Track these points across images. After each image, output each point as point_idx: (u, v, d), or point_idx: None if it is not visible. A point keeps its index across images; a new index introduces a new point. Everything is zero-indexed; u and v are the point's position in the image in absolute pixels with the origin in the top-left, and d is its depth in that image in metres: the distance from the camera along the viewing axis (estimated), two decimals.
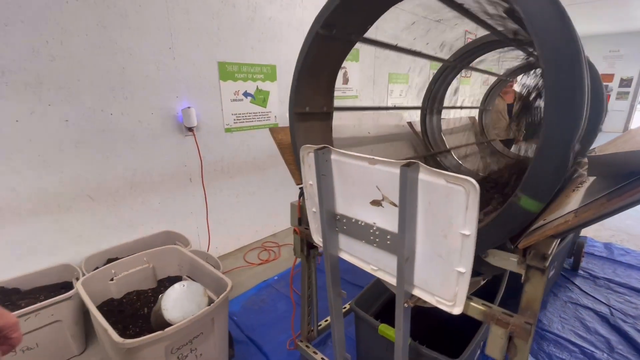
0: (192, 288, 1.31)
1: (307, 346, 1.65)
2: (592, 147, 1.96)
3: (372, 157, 0.96)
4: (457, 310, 0.92)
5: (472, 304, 0.96)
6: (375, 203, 1.02)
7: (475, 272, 1.04)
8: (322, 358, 1.57)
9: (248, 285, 2.68)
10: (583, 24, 7.34)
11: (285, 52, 3.12)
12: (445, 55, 2.12)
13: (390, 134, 2.19)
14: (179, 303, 1.27)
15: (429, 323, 1.78)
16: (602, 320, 2.24)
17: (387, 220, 1.00)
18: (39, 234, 2.04)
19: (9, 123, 1.85)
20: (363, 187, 1.03)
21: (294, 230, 1.49)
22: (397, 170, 0.86)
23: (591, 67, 1.65)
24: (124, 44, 2.18)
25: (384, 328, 1.41)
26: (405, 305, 1.00)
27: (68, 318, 1.76)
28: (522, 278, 0.86)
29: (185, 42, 2.46)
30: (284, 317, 2.27)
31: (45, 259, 2.08)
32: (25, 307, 1.64)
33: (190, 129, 2.60)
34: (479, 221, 0.84)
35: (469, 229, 0.80)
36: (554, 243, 0.87)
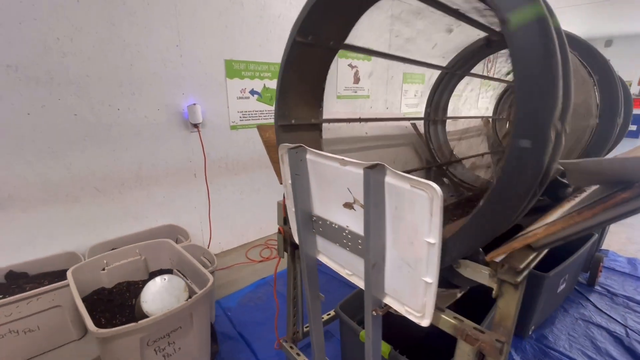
0: (173, 282, 1.33)
1: (291, 347, 1.63)
2: (611, 151, 1.82)
3: (343, 157, 0.93)
4: (425, 322, 0.87)
5: (443, 316, 0.91)
6: (348, 206, 0.99)
7: (450, 284, 0.99)
8: None
9: (247, 282, 2.69)
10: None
11: None
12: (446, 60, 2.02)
13: (392, 135, 2.12)
14: (159, 296, 1.28)
15: (425, 333, 1.71)
16: (615, 341, 2.08)
17: (358, 223, 0.96)
18: (47, 221, 2.14)
19: (21, 115, 1.95)
20: (336, 188, 1.00)
21: (279, 230, 1.47)
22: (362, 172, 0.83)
23: (595, 54, 1.52)
24: (132, 41, 2.24)
25: (365, 334, 1.37)
26: (374, 313, 0.96)
27: (68, 304, 1.83)
28: (494, 292, 0.80)
29: (192, 40, 2.50)
30: (280, 316, 2.26)
31: (53, 246, 2.18)
32: (29, 291, 1.73)
33: (195, 126, 2.65)
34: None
35: (434, 237, 0.76)
36: (531, 257, 0.80)
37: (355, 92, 3.92)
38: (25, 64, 1.91)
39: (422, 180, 0.74)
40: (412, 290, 0.87)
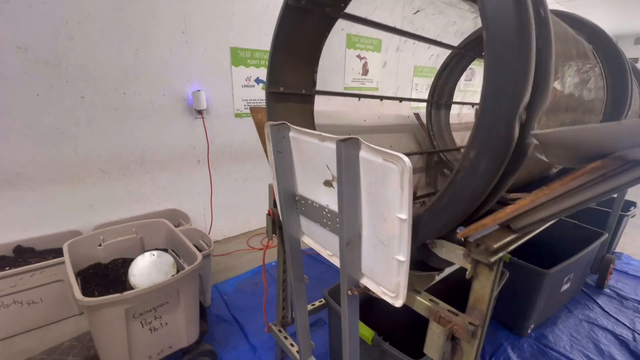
0: (162, 258, 1.36)
1: (279, 330, 1.64)
2: None
3: (321, 133, 0.91)
4: (399, 303, 0.86)
5: (418, 298, 0.88)
6: (327, 184, 0.97)
7: (428, 266, 0.96)
8: (290, 344, 1.55)
9: (246, 268, 2.72)
10: None
11: None
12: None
13: (393, 125, 2.09)
14: (147, 271, 1.31)
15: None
16: (621, 344, 1.99)
17: (336, 201, 0.95)
18: (54, 200, 2.22)
19: (30, 96, 2.02)
20: (317, 166, 0.98)
21: (268, 212, 1.47)
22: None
23: (603, 38, 1.41)
24: (138, 26, 2.28)
25: (341, 315, 1.36)
26: (349, 293, 0.94)
27: (69, 278, 1.89)
28: (467, 273, 0.77)
29: (198, 27, 2.52)
30: (273, 301, 2.27)
31: (59, 224, 2.26)
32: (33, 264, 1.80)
33: (199, 112, 2.68)
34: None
35: (405, 212, 0.74)
36: (508, 238, 0.77)
37: (363, 83, 3.87)
38: (34, 47, 1.97)
39: (393, 152, 0.72)
40: (387, 270, 0.86)
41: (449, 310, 0.84)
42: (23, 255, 2.05)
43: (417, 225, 0.80)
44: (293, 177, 1.11)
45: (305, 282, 1.28)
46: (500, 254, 0.74)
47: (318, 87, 1.41)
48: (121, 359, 1.28)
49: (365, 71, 3.84)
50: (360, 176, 0.83)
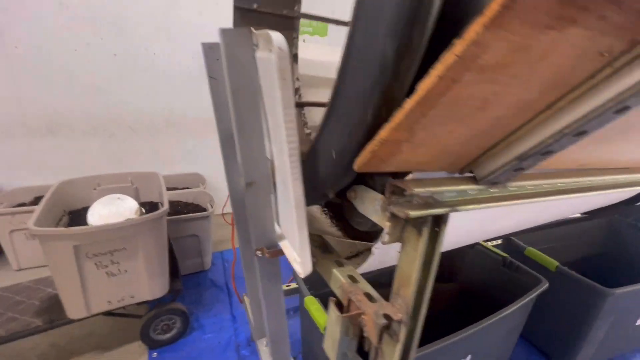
0: (125, 203, 1.30)
1: (250, 303, 1.49)
2: None
3: None
4: (301, 268, 0.62)
5: (335, 270, 0.62)
6: None
7: (357, 233, 0.69)
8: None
9: None
10: None
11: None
12: None
13: None
14: (105, 212, 1.27)
15: None
16: None
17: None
18: (87, 152, 2.40)
19: (69, 51, 2.18)
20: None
21: None
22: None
23: None
24: None
25: (309, 302, 1.13)
26: (259, 253, 0.73)
27: None
28: (382, 235, 0.49)
29: None
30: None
31: (92, 173, 2.44)
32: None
33: None
34: None
35: (284, 120, 0.49)
36: (450, 187, 0.47)
37: None
38: (74, 3, 2.11)
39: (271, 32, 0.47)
40: (290, 223, 0.62)
41: (366, 294, 0.56)
42: None
43: (315, 156, 0.54)
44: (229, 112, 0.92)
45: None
46: (430, 211, 0.45)
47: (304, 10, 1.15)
48: (77, 298, 1.26)
49: None
50: (260, 86, 0.60)
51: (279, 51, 0.44)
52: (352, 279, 0.61)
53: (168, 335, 1.57)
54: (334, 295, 0.62)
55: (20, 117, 2.20)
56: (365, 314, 0.53)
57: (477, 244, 1.64)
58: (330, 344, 0.55)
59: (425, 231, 0.46)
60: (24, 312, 1.35)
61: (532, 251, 1.58)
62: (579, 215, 1.76)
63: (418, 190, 0.43)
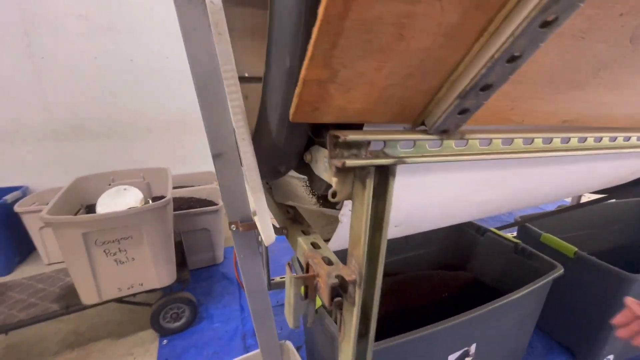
0: (129, 192, 1.37)
1: None
2: None
3: None
4: (263, 238, 0.62)
5: (300, 239, 0.62)
6: None
7: (325, 201, 0.67)
8: None
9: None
10: None
11: None
12: None
13: None
14: (112, 202, 1.34)
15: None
16: None
17: None
18: (108, 153, 2.55)
19: (90, 59, 2.33)
20: None
21: None
22: None
23: None
24: None
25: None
26: (233, 227, 0.73)
27: None
28: (330, 190, 0.48)
29: None
30: (283, 269, 2.15)
31: None
32: None
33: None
34: None
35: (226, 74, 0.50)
36: (406, 136, 0.45)
37: None
38: (92, 14, 2.26)
39: None
40: (250, 194, 0.62)
41: (325, 258, 0.55)
42: None
43: (261, 123, 0.54)
44: None
45: None
46: (371, 161, 0.43)
47: None
48: (89, 284, 1.34)
49: None
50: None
51: (211, 5, 0.44)
52: (315, 245, 0.60)
53: (177, 324, 1.62)
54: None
55: (49, 123, 2.37)
56: (319, 276, 0.51)
57: (488, 230, 1.57)
58: (287, 308, 0.54)
59: (369, 183, 0.44)
60: (44, 299, 1.45)
61: (549, 237, 1.48)
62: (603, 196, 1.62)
63: (353, 137, 0.42)
